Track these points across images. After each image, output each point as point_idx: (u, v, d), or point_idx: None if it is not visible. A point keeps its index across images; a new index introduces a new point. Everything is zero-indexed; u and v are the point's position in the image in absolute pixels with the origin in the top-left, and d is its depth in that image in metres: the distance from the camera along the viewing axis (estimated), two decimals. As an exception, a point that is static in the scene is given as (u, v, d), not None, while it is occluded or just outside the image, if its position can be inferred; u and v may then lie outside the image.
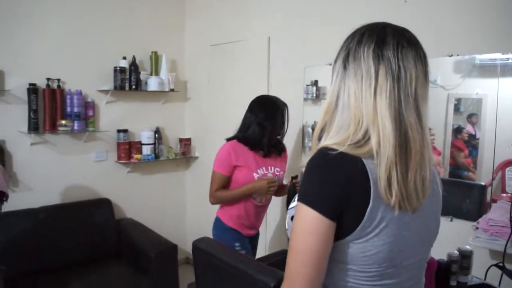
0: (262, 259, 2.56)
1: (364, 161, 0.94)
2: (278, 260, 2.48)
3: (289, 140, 3.26)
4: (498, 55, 2.17)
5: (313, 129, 3.17)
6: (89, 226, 3.50)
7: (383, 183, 0.93)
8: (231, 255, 2.08)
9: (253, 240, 2.79)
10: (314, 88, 3.17)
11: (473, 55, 2.24)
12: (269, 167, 2.61)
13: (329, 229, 0.94)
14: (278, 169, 2.64)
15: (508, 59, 2.13)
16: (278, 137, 2.65)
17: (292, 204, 1.31)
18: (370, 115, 0.95)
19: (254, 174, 2.55)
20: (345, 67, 1.01)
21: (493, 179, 2.24)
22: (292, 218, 1.11)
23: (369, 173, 0.93)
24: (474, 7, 2.25)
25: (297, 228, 0.96)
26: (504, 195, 2.26)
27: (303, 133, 3.20)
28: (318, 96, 3.17)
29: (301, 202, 0.96)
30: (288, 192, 2.41)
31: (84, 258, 3.43)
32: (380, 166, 0.93)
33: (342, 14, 2.90)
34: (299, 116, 3.19)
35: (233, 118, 3.75)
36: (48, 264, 3.26)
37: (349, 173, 0.93)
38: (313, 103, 3.19)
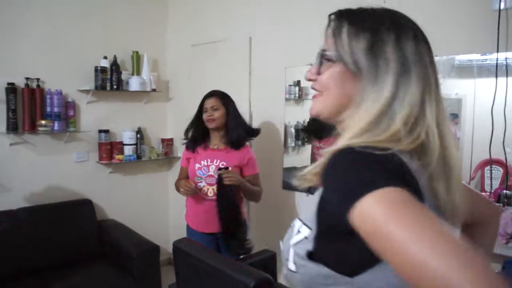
0: (242, 259, 2.58)
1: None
2: (259, 260, 2.50)
3: (270, 139, 3.28)
4: (475, 56, 2.22)
5: (297, 129, 3.19)
6: (71, 227, 3.47)
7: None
8: (210, 255, 2.09)
9: (221, 240, 2.71)
10: (297, 88, 3.19)
11: (451, 56, 2.29)
12: (214, 160, 2.69)
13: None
14: (224, 163, 2.66)
15: (485, 60, 2.18)
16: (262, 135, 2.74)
17: (297, 237, 0.87)
18: (420, 118, 0.80)
19: (197, 164, 2.72)
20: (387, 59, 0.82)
21: (471, 178, 2.28)
22: (305, 255, 0.83)
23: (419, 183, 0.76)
24: (452, 8, 2.29)
25: (399, 230, 0.61)
26: (484, 194, 2.31)
27: (285, 133, 3.21)
28: (301, 96, 3.19)
29: (364, 194, 0.66)
30: (217, 185, 2.57)
31: (66, 259, 3.39)
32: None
33: (322, 14, 2.91)
34: (281, 116, 3.21)
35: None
36: (29, 266, 3.22)
37: (404, 175, 0.74)
38: (295, 103, 3.21)
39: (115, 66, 3.74)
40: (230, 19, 3.62)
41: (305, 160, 3.15)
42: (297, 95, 3.19)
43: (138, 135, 3.93)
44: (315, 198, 0.86)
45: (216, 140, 2.74)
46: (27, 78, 3.34)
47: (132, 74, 3.90)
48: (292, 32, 3.12)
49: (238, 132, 2.69)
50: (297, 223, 0.90)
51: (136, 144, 3.90)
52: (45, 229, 3.34)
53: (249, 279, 1.83)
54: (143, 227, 3.81)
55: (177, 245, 2.24)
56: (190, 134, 2.80)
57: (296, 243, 0.87)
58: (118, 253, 3.39)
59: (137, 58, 3.92)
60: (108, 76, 3.70)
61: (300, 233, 0.87)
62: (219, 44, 3.69)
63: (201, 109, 2.74)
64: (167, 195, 4.35)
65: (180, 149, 4.21)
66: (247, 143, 2.79)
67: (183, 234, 3.35)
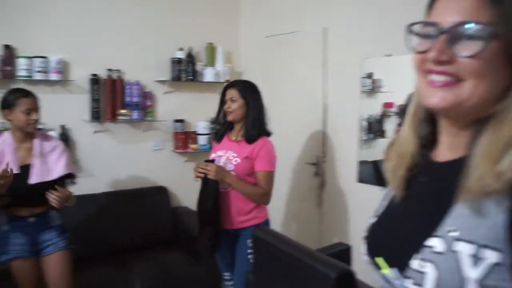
0: (319, 251, 2.53)
1: None
2: (333, 253, 2.44)
3: (344, 132, 3.21)
4: None
5: (369, 122, 3.09)
6: (147, 213, 3.61)
7: None
8: (290, 244, 2.06)
9: (233, 238, 2.59)
10: (370, 80, 3.08)
11: None
12: (228, 151, 2.57)
13: None
14: (235, 155, 2.52)
15: None
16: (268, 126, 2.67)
17: (482, 267, 0.64)
18: None
19: (213, 154, 2.67)
20: None
21: None
22: None
23: None
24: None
25: None
26: None
27: (361, 126, 3.12)
28: (374, 89, 3.08)
29: None
30: (202, 178, 2.47)
31: (141, 243, 3.54)
32: None
33: (401, 2, 2.80)
34: (356, 109, 3.12)
35: (288, 110, 3.75)
36: (108, 247, 3.39)
37: None
38: (367, 96, 3.10)
39: (190, 58, 3.82)
40: (304, 10, 3.57)
41: (377, 154, 3.06)
42: (371, 87, 3.08)
43: (212, 125, 4.00)
44: (490, 210, 0.65)
45: (236, 132, 2.62)
46: (109, 70, 3.51)
47: (207, 66, 3.97)
48: (369, 22, 3.01)
49: (253, 127, 2.53)
50: (462, 247, 0.65)
51: (209, 134, 3.97)
52: (124, 213, 3.51)
53: (331, 271, 1.76)
54: (215, 215, 3.86)
55: (256, 233, 2.25)
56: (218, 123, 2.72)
57: (484, 276, 0.63)
58: (191, 239, 3.47)
59: (211, 50, 3.99)
60: (184, 67, 3.80)
61: (482, 260, 0.63)
62: (292, 35, 3.65)
63: (223, 100, 2.60)
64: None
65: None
66: (268, 137, 2.61)
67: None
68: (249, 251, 2.44)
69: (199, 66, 3.91)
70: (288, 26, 3.69)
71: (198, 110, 4.00)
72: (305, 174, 3.57)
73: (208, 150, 3.95)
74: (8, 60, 3.16)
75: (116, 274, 3.16)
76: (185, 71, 3.81)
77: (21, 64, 3.18)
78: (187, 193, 3.97)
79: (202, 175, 2.43)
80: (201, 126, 3.94)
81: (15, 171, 2.33)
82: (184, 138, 3.86)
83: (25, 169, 2.39)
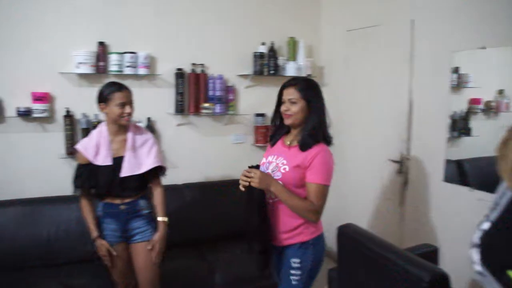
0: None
1: None
2: (420, 254, 2.31)
3: (430, 129, 3.04)
4: None
5: (454, 119, 2.91)
6: (226, 205, 3.60)
7: None
8: (380, 243, 1.98)
9: (280, 256, 2.26)
10: (456, 75, 2.88)
11: None
12: (279, 157, 2.19)
13: None
14: (285, 162, 2.14)
15: None
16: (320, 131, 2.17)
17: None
18: None
19: (263, 158, 2.33)
20: None
21: None
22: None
23: None
24: None
25: None
26: None
27: (450, 124, 2.93)
28: (459, 84, 2.88)
29: None
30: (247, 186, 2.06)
31: (219, 234, 3.56)
32: None
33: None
34: (444, 105, 2.93)
35: (371, 105, 3.63)
36: (186, 237, 3.44)
37: None
38: (452, 92, 2.91)
39: (272, 52, 3.81)
40: (388, 1, 3.42)
41: (462, 153, 2.88)
42: (455, 82, 2.88)
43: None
44: None
45: (291, 136, 2.23)
46: (193, 64, 3.60)
47: (288, 60, 3.94)
48: (461, 12, 2.81)
49: (312, 134, 2.11)
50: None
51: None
52: (204, 205, 3.56)
53: (424, 273, 1.67)
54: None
55: (343, 230, 2.19)
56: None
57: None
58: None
59: (293, 44, 3.95)
60: (266, 62, 3.80)
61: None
62: (375, 29, 3.52)
63: (280, 99, 2.22)
64: (318, 181, 4.32)
65: (333, 136, 4.14)
66: (328, 145, 2.17)
67: (338, 219, 3.30)
68: (292, 271, 2.16)
69: (280, 61, 3.89)
70: (371, 20, 3.56)
71: (279, 104, 3.99)
72: (388, 171, 3.44)
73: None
74: (102, 56, 3.33)
75: (195, 265, 3.20)
76: (267, 65, 3.81)
77: (113, 60, 3.35)
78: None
79: (246, 183, 2.04)
80: (282, 120, 3.92)
81: (109, 163, 2.46)
82: (264, 132, 3.87)
83: (118, 161, 2.49)
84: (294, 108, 2.12)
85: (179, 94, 3.55)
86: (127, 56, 3.37)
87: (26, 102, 3.17)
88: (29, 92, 3.17)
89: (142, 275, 2.57)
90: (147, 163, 2.53)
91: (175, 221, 3.34)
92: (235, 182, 3.69)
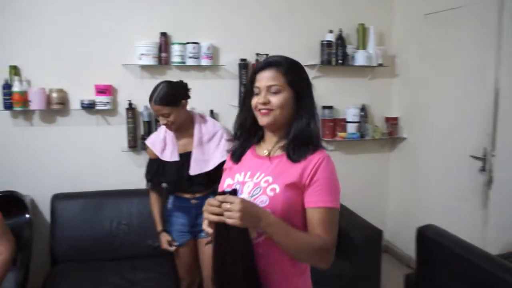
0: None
1: None
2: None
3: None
4: None
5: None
6: None
7: None
8: (468, 248, 1.74)
9: None
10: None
11: None
12: (256, 174, 1.43)
13: None
14: (270, 179, 1.38)
15: None
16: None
17: None
18: None
19: (228, 179, 1.52)
20: None
21: None
22: None
23: None
24: None
25: None
26: None
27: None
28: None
29: None
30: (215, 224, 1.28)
31: None
32: None
33: None
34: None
35: (450, 96, 3.31)
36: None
37: None
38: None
39: (341, 40, 3.58)
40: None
41: None
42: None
43: (362, 113, 3.72)
44: None
45: (269, 142, 1.47)
46: (257, 54, 3.45)
47: (358, 48, 3.69)
48: None
49: (305, 136, 1.40)
50: None
51: (359, 122, 3.69)
52: None
53: None
54: (360, 209, 3.59)
55: (423, 232, 1.97)
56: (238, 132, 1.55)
57: None
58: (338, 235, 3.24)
59: (362, 31, 3.69)
60: (334, 51, 3.57)
61: None
62: (458, 11, 3.19)
63: (251, 88, 1.45)
64: (387, 178, 4.05)
65: (406, 130, 3.86)
66: (323, 147, 1.45)
67: (401, 221, 3.06)
68: None
69: (349, 49, 3.65)
70: (452, 1, 3.23)
71: (348, 96, 3.76)
72: (468, 168, 3.11)
73: (358, 139, 3.69)
74: (164, 46, 3.25)
75: None
76: (335, 55, 3.58)
77: (175, 50, 3.27)
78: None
79: (217, 218, 1.22)
80: (351, 113, 3.68)
81: (176, 158, 2.43)
82: (332, 125, 3.65)
83: (185, 157, 2.43)
84: (276, 100, 1.37)
85: (243, 85, 3.41)
86: (190, 46, 3.27)
87: (90, 95, 3.15)
88: (92, 85, 3.15)
89: (207, 271, 2.48)
90: (215, 159, 2.42)
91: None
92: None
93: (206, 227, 1.30)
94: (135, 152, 3.29)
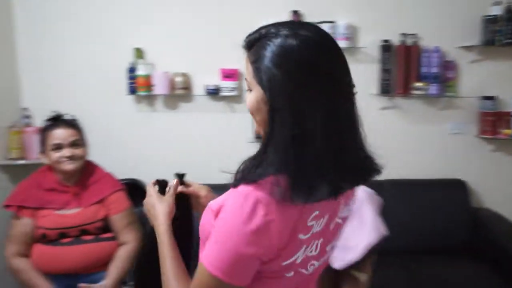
0: None
1: None
2: None
3: None
4: None
5: None
6: (437, 210, 2.97)
7: None
8: None
9: None
10: None
11: None
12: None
13: None
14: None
15: None
16: None
17: None
18: None
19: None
20: None
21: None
22: None
23: None
24: None
25: None
26: None
27: None
28: None
29: None
30: None
31: (427, 245, 2.95)
32: None
33: None
34: None
35: None
36: (386, 243, 2.88)
37: None
38: None
39: (510, 14, 2.91)
40: None
41: None
42: None
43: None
44: None
45: None
46: (402, 34, 2.95)
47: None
48: None
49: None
50: None
51: (528, 116, 3.00)
52: (408, 207, 2.96)
53: None
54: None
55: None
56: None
57: None
58: (496, 251, 2.74)
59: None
60: (500, 28, 2.91)
61: None
62: None
63: None
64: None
65: None
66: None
67: None
68: None
69: (520, 26, 2.97)
70: None
71: (516, 84, 3.08)
72: None
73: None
74: (295, 26, 2.90)
75: (397, 277, 2.67)
76: (501, 33, 2.91)
77: (309, 30, 2.89)
78: (492, 192, 3.16)
79: None
80: (519, 105, 3.01)
81: None
82: (493, 120, 2.99)
83: None
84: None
85: (385, 71, 2.93)
86: (325, 26, 2.86)
87: (215, 80, 2.92)
88: (217, 69, 2.92)
89: None
90: None
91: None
92: (452, 183, 3.01)
93: None
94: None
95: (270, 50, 0.87)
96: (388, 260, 2.76)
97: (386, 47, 2.94)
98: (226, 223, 0.86)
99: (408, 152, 3.09)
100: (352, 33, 2.94)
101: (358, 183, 0.98)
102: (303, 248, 0.91)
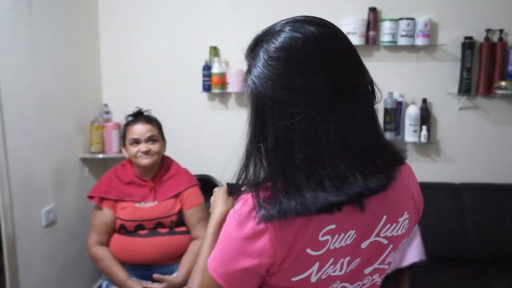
0: None
1: None
2: None
3: None
4: None
5: None
6: None
7: None
8: None
9: None
10: None
11: None
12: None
13: None
14: None
15: None
16: None
17: None
18: None
19: None
20: None
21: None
22: None
23: None
24: None
25: None
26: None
27: None
28: None
29: None
30: None
31: (505, 252, 2.80)
32: None
33: None
34: None
35: None
36: (458, 249, 2.81)
37: None
38: None
39: None
40: None
41: None
42: None
43: None
44: None
45: None
46: (487, 30, 2.78)
47: None
48: None
49: None
50: None
51: None
52: (485, 212, 2.82)
53: None
54: None
55: None
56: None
57: None
58: None
59: None
60: None
61: None
62: None
63: None
64: None
65: None
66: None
67: None
68: None
69: None
70: None
71: None
72: None
73: None
74: (373, 24, 2.82)
75: (471, 285, 2.58)
76: None
77: (385, 28, 2.80)
78: None
79: None
80: None
81: None
82: None
83: None
84: None
85: (466, 69, 2.79)
86: (403, 23, 2.77)
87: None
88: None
89: None
90: None
91: (441, 226, 2.78)
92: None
93: None
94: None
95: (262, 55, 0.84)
96: (463, 266, 2.71)
97: (469, 44, 2.79)
98: (224, 227, 0.87)
99: (488, 155, 2.95)
100: (431, 30, 2.81)
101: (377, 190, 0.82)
102: (317, 265, 0.83)
